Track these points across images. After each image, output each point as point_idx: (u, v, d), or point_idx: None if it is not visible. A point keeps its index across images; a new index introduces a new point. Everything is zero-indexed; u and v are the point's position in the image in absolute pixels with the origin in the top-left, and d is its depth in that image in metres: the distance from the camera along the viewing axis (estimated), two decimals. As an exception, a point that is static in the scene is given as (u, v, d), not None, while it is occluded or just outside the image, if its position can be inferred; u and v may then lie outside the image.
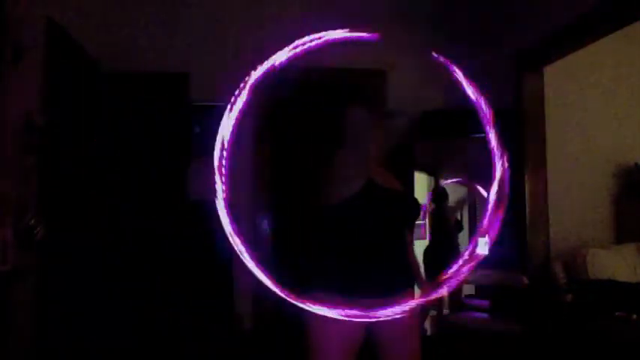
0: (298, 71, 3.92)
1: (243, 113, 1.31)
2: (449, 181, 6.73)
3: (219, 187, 1.30)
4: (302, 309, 1.56)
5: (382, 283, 1.83)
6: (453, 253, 5.50)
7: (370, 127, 1.97)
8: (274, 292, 1.40)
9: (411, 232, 2.18)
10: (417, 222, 1.96)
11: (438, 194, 5.59)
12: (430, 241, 5.32)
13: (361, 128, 1.96)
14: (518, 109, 3.52)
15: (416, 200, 2.04)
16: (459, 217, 6.55)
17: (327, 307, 1.55)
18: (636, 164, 3.70)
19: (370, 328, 1.87)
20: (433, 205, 5.58)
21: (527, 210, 3.44)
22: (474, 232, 7.07)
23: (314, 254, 1.89)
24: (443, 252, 5.09)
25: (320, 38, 1.26)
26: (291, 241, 3.50)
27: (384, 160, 2.04)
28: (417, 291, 2.12)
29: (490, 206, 1.33)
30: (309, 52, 1.32)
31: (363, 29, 1.38)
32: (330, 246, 1.87)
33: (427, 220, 5.92)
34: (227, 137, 1.32)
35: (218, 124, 1.43)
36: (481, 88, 1.63)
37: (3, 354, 2.20)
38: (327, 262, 1.87)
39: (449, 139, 5.60)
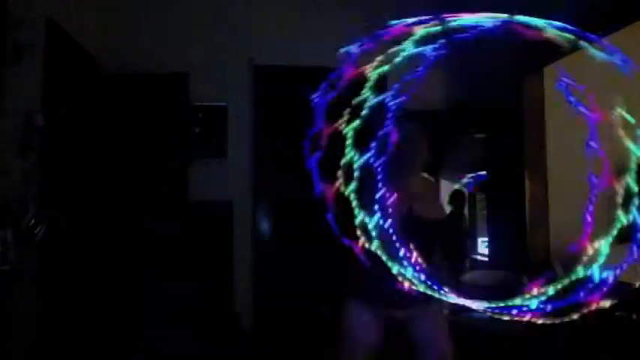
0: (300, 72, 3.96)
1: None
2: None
3: None
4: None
5: (405, 298, 1.92)
6: (463, 259, 5.45)
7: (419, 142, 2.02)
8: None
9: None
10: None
11: (457, 196, 5.52)
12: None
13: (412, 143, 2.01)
14: (518, 109, 3.52)
15: (452, 228, 2.11)
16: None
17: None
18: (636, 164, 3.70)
19: (395, 327, 2.01)
20: (451, 207, 5.48)
21: (527, 210, 3.44)
22: (474, 233, 7.03)
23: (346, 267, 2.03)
24: (451, 258, 5.05)
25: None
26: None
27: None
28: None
29: None
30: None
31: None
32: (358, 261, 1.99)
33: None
34: None
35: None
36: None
37: (3, 354, 2.20)
38: (356, 275, 2.00)
39: (450, 139, 5.59)
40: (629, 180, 1.21)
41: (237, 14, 3.83)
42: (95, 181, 3.31)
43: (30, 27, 2.40)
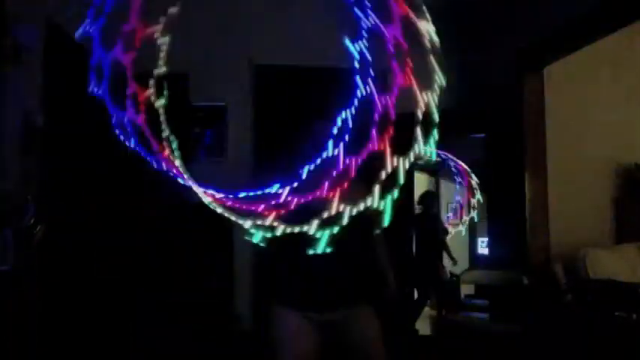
0: (297, 71, 3.96)
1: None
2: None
3: None
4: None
5: (332, 300, 1.91)
6: (441, 257, 5.41)
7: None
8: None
9: (378, 240, 2.12)
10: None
11: (425, 197, 5.40)
12: (417, 246, 5.10)
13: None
14: (518, 109, 3.52)
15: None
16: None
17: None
18: (636, 164, 3.69)
19: (327, 330, 1.93)
20: (421, 208, 5.35)
21: (527, 210, 3.45)
22: (473, 233, 7.02)
23: (272, 267, 2.01)
24: (431, 256, 5.00)
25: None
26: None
27: None
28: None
29: None
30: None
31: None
32: (283, 260, 1.96)
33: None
34: None
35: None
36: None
37: (3, 354, 2.20)
38: (281, 278, 1.98)
39: (449, 140, 5.60)
40: None
41: (237, 14, 3.83)
42: (95, 181, 3.31)
43: (30, 27, 2.41)
